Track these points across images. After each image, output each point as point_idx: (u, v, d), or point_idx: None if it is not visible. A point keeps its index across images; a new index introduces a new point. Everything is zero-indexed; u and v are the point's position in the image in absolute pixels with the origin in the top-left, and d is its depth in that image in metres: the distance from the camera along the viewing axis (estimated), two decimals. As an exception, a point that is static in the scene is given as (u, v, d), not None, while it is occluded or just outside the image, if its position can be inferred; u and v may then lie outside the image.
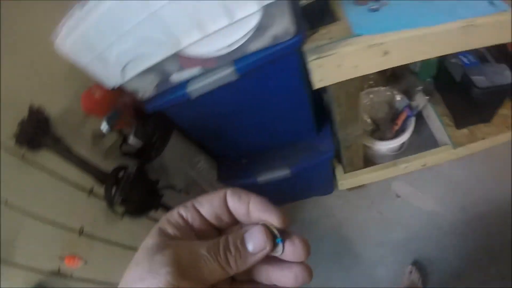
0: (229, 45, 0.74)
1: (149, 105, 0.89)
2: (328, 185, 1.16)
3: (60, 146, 0.93)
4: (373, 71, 0.79)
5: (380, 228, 1.19)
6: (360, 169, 1.13)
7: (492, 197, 1.21)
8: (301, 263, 0.23)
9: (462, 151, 1.16)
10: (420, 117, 1.27)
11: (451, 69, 1.16)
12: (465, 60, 1.14)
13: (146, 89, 0.88)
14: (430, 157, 1.15)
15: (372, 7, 0.82)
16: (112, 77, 0.83)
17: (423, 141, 1.25)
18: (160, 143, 0.96)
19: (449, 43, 0.79)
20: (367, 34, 0.76)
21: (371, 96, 1.23)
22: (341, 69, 0.78)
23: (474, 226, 1.18)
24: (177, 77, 0.84)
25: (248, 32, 0.72)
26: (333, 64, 0.76)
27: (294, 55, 0.80)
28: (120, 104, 0.93)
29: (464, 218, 1.19)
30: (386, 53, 0.76)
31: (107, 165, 0.97)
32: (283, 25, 0.74)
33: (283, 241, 0.22)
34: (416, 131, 1.27)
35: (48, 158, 0.90)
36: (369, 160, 1.20)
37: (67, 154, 0.93)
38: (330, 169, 1.11)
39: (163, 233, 0.23)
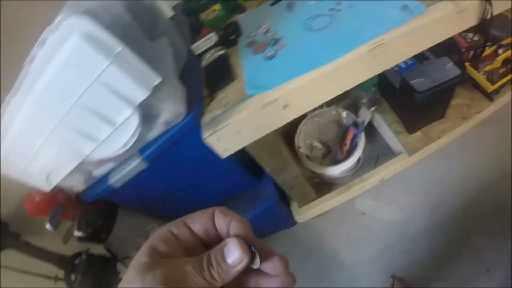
0: (124, 145, 0.74)
1: (84, 197, 0.93)
2: (288, 220, 1.15)
3: (20, 242, 0.99)
4: (279, 127, 0.76)
5: (352, 249, 1.16)
6: (314, 200, 1.11)
7: (461, 190, 1.16)
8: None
9: (418, 156, 1.10)
10: (372, 127, 1.22)
11: (389, 76, 1.09)
12: (401, 64, 1.07)
13: (77, 185, 0.91)
14: (386, 170, 1.11)
15: (268, 54, 0.79)
16: (41, 186, 0.87)
17: (380, 151, 1.20)
18: (108, 224, 0.99)
19: (360, 71, 0.74)
20: (260, 92, 0.72)
21: (317, 119, 1.19)
22: (242, 135, 0.76)
23: (448, 223, 1.13)
24: (98, 172, 0.87)
25: (136, 130, 0.72)
26: (231, 133, 0.74)
27: (196, 129, 0.78)
28: (61, 200, 0.96)
29: (436, 217, 1.14)
30: (286, 106, 0.72)
31: (69, 249, 1.04)
32: (170, 110, 0.74)
33: (257, 251, 0.25)
34: (371, 141, 1.23)
35: (11, 256, 0.97)
36: (327, 184, 1.17)
37: (27, 248, 1.00)
38: (282, 209, 1.09)
39: (153, 251, 0.25)
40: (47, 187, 0.87)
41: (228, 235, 0.26)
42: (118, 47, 0.59)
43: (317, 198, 1.10)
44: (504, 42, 1.12)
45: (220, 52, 0.87)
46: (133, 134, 0.72)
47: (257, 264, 0.25)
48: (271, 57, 0.77)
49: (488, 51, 1.12)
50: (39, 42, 0.61)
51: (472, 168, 1.18)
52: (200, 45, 0.88)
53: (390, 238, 1.14)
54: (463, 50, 1.12)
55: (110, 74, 0.61)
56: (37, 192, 0.93)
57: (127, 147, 0.75)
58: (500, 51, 1.12)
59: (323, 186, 1.15)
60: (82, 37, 0.56)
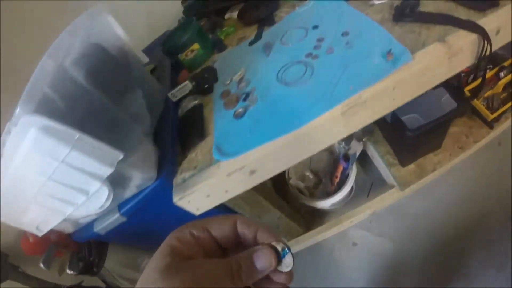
0: (101, 207, 0.79)
1: (74, 238, 0.99)
2: (276, 252, 1.17)
3: (19, 273, 1.09)
4: (248, 189, 0.77)
5: (342, 280, 1.18)
6: (302, 234, 1.12)
7: (457, 219, 1.14)
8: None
9: (411, 189, 1.08)
10: (367, 155, 1.20)
11: (381, 109, 1.05)
12: (394, 96, 1.03)
13: (66, 229, 0.97)
14: (377, 204, 1.10)
15: (237, 112, 0.78)
16: (34, 232, 0.94)
17: (374, 178, 1.18)
18: (99, 259, 1.06)
19: (333, 133, 0.72)
20: (225, 159, 0.73)
21: (307, 148, 1.18)
22: (212, 198, 0.78)
23: (442, 254, 1.12)
24: (84, 220, 0.92)
25: (108, 196, 0.76)
26: (201, 197, 0.76)
27: (169, 188, 0.81)
28: (54, 239, 1.03)
29: (430, 248, 1.14)
30: (253, 172, 0.73)
31: (66, 279, 1.12)
32: (140, 177, 0.77)
33: (290, 251, 0.28)
34: (365, 169, 1.21)
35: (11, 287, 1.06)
36: (318, 213, 1.18)
37: (26, 279, 1.09)
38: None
39: (175, 252, 0.26)
40: (39, 234, 0.94)
41: (254, 243, 0.28)
42: (76, 134, 0.61)
43: (305, 233, 1.11)
44: (506, 63, 1.05)
45: (196, 102, 0.88)
46: (107, 199, 0.76)
47: (289, 267, 0.28)
48: (240, 116, 0.76)
49: (489, 74, 1.05)
50: (5, 131, 0.64)
51: (470, 196, 1.15)
52: (176, 93, 0.89)
53: (381, 270, 1.15)
54: (462, 74, 1.05)
55: (73, 157, 0.64)
56: (31, 234, 1.01)
57: (104, 208, 0.79)
58: (501, 74, 1.05)
59: (313, 217, 1.16)
60: (39, 131, 0.59)
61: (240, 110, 0.77)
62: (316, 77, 0.76)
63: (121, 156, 0.68)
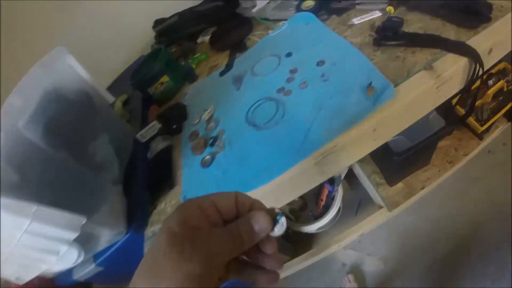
0: (74, 262, 0.79)
1: (57, 282, 1.00)
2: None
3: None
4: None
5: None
6: (289, 261, 1.12)
7: (448, 234, 1.15)
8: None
9: (400, 209, 1.07)
10: (353, 173, 1.18)
11: (364, 129, 1.03)
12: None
13: (47, 274, 0.98)
14: (365, 226, 1.10)
15: (204, 159, 0.76)
16: (14, 281, 0.94)
17: (362, 196, 1.17)
18: (87, 299, 1.07)
19: (305, 182, 0.69)
20: None
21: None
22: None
23: (434, 272, 1.13)
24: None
25: (79, 254, 0.76)
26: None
27: (140, 238, 0.80)
28: (37, 283, 1.04)
29: (421, 267, 1.14)
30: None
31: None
32: (108, 234, 0.76)
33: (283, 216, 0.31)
34: (352, 187, 1.20)
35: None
36: (306, 236, 1.17)
37: None
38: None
39: (186, 223, 0.28)
40: (20, 283, 0.95)
41: (248, 210, 0.31)
42: (33, 207, 0.60)
43: (291, 259, 1.11)
44: (494, 70, 1.01)
45: (165, 143, 0.86)
46: (78, 257, 0.76)
47: (280, 231, 0.30)
48: (207, 165, 0.75)
49: (476, 83, 1.01)
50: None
51: (461, 208, 1.15)
52: (144, 134, 0.87)
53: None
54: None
55: (35, 227, 0.63)
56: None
57: (77, 263, 0.79)
58: (490, 82, 1.01)
59: (300, 240, 1.16)
60: (-6, 208, 0.57)
61: (208, 157, 0.75)
62: (287, 119, 0.72)
63: (84, 221, 0.67)
